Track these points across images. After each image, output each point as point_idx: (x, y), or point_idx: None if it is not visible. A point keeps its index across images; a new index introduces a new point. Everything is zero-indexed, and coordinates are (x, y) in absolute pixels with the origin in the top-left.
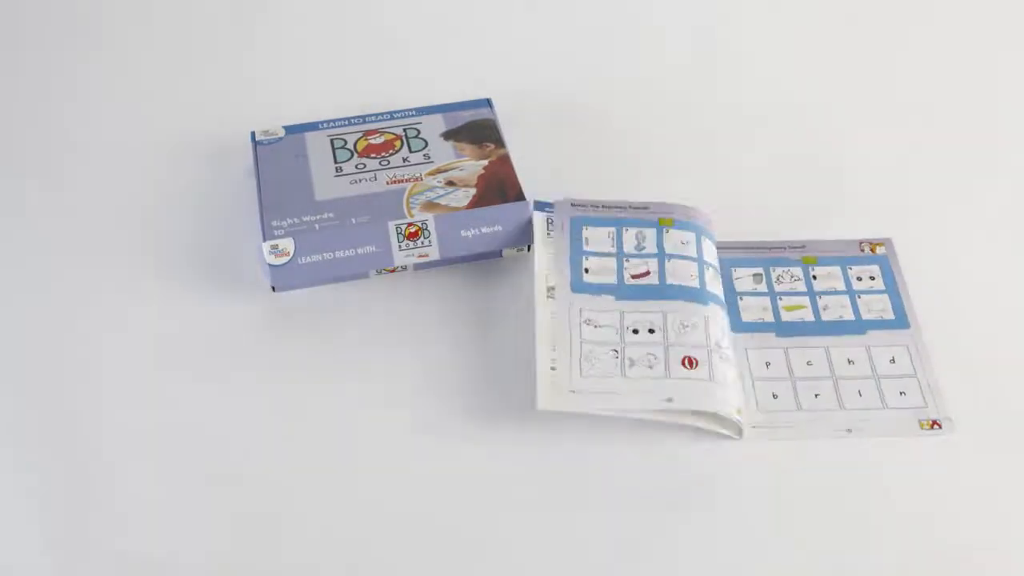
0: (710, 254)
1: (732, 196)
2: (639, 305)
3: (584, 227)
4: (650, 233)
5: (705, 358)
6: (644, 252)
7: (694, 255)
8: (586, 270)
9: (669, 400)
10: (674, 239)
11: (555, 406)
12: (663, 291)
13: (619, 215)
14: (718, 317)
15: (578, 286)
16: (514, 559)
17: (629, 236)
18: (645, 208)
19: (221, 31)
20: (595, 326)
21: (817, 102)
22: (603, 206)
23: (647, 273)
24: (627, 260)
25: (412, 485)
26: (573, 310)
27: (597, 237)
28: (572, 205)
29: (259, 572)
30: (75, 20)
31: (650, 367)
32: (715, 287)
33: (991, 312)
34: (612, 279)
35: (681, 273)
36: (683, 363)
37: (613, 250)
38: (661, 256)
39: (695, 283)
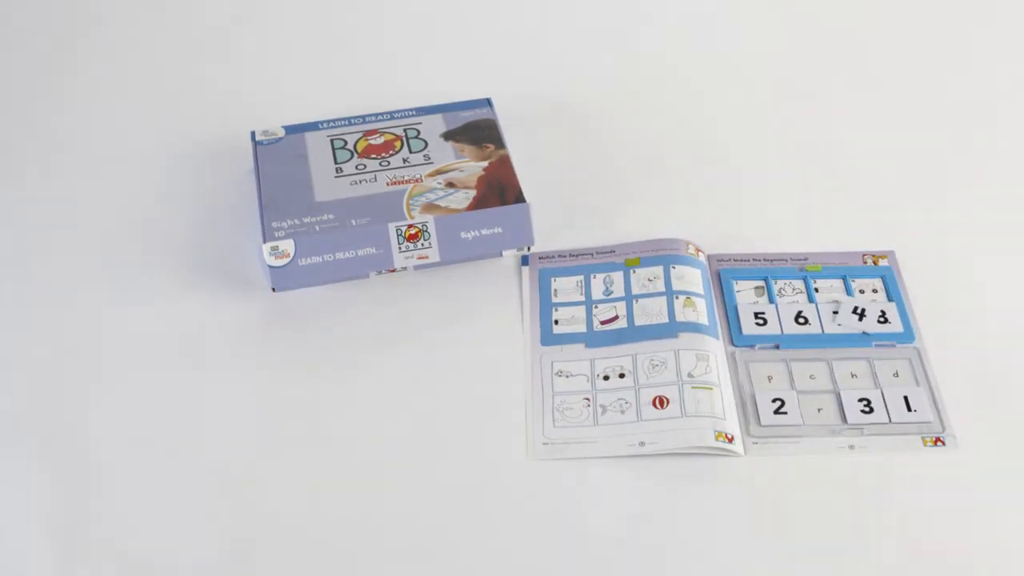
0: (684, 280)
1: (732, 204)
2: (609, 351)
3: (552, 278)
4: (617, 276)
5: (676, 395)
6: (612, 296)
7: (662, 289)
8: (556, 321)
9: (641, 444)
10: (641, 278)
11: (527, 457)
12: (632, 334)
13: (586, 262)
14: (691, 343)
15: (548, 339)
16: (511, 561)
17: (597, 282)
18: (611, 252)
19: (221, 31)
20: (567, 376)
21: (820, 109)
22: (570, 255)
23: (616, 318)
24: (596, 307)
25: (412, 484)
26: (544, 363)
27: (566, 287)
28: (540, 258)
29: (259, 572)
30: (75, 20)
31: (621, 412)
32: (689, 313)
33: (996, 326)
34: (582, 327)
35: (650, 311)
36: (654, 404)
37: (582, 298)
38: (629, 298)
39: (663, 318)
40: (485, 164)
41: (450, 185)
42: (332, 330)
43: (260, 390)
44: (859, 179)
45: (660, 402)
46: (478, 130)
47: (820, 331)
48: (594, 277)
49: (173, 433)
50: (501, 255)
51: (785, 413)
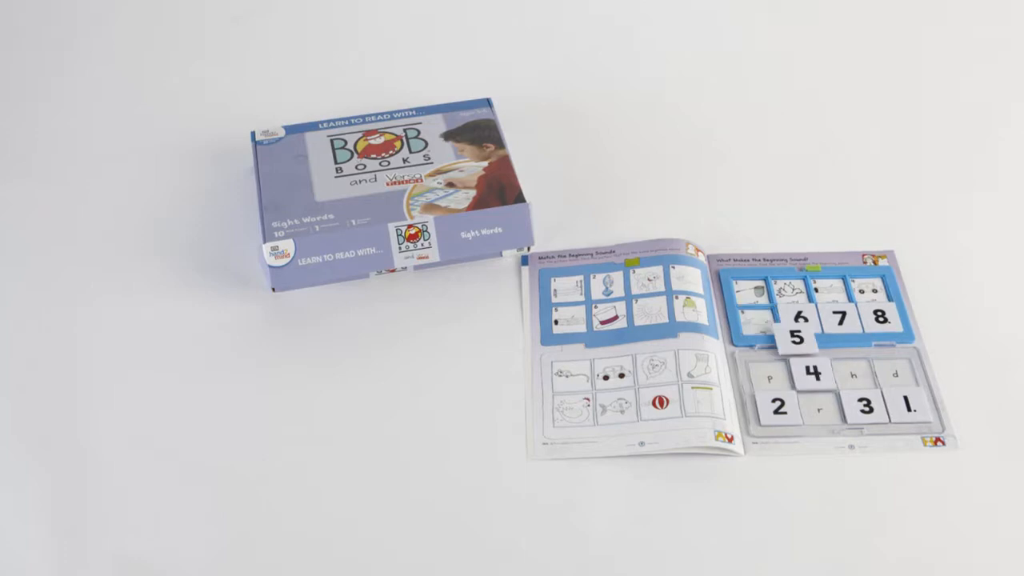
0: (684, 280)
1: (732, 204)
2: (609, 351)
3: (552, 278)
4: (617, 276)
5: (675, 395)
6: (612, 296)
7: (661, 289)
8: (555, 321)
9: (641, 444)
10: (640, 278)
11: (527, 458)
12: (632, 334)
13: (586, 262)
14: (691, 343)
15: (547, 338)
16: (511, 561)
17: (597, 282)
18: (611, 251)
19: (221, 31)
20: (567, 376)
21: (820, 109)
22: (570, 255)
23: (615, 318)
24: (596, 307)
25: (411, 484)
26: (544, 363)
27: (565, 287)
28: (539, 258)
29: (259, 572)
30: (75, 20)
31: (621, 412)
32: (688, 313)
33: (996, 326)
34: (582, 327)
35: (650, 311)
36: (653, 404)
37: (582, 298)
38: (628, 298)
39: (663, 318)
40: (485, 164)
41: (450, 185)
42: (332, 330)
43: (260, 390)
44: (859, 179)
45: (660, 402)
46: (478, 130)
47: (820, 331)
48: (594, 277)
49: (173, 433)
50: (501, 255)
51: (785, 413)
